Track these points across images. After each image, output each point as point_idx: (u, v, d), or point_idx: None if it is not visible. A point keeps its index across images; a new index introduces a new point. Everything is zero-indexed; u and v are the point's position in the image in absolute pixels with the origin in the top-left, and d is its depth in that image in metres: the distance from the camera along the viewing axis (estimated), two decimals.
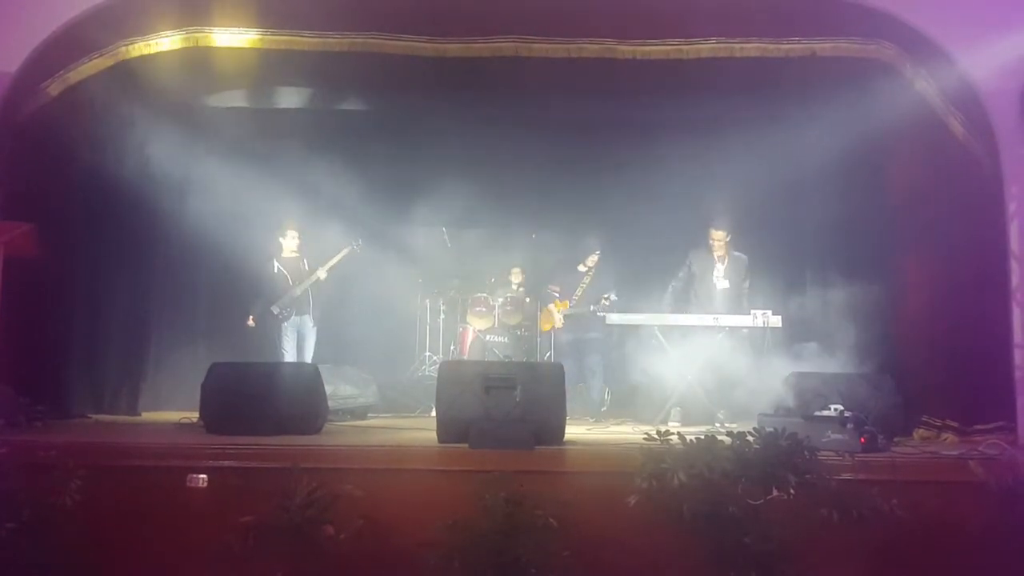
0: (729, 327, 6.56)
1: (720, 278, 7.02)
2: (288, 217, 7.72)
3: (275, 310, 7.59)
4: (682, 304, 7.03)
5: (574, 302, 7.76)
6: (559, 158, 8.32)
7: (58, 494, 3.96)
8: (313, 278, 7.66)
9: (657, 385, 6.74)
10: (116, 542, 4.14)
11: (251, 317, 7.59)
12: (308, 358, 7.65)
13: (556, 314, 7.93)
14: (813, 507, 3.89)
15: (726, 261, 7.03)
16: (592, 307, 7.50)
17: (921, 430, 5.83)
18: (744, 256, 7.08)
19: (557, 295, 7.93)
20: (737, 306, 6.87)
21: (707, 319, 6.65)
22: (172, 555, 4.14)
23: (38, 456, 4.18)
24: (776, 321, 6.44)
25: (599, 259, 7.81)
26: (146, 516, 4.20)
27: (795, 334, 6.70)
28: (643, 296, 7.18)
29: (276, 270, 7.68)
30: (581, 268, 7.86)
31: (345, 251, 7.81)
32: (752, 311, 6.50)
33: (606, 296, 7.43)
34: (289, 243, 7.70)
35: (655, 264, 7.66)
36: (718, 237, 7.02)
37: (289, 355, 7.58)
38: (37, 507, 3.92)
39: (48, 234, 5.62)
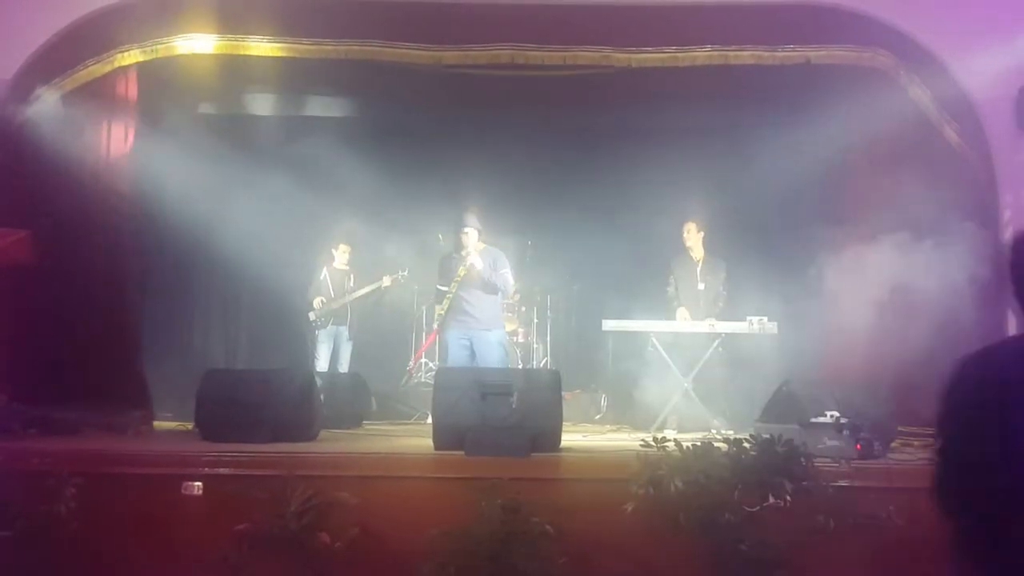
0: (725, 334, 6.58)
1: (698, 280, 6.99)
2: (334, 230, 7.93)
3: (311, 316, 7.66)
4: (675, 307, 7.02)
5: (446, 299, 6.63)
6: (556, 164, 8.34)
7: (53, 502, 3.95)
8: (360, 292, 7.82)
9: (654, 392, 6.73)
10: (111, 550, 4.12)
11: (319, 299, 7.76)
12: (344, 368, 7.77)
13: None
14: (809, 514, 3.89)
15: (701, 263, 7.00)
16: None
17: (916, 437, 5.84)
18: (723, 262, 7.05)
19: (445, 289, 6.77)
20: (714, 308, 6.84)
21: (703, 325, 6.66)
22: (167, 563, 4.12)
23: (32, 464, 4.17)
24: (772, 328, 6.44)
25: (480, 238, 6.65)
26: (141, 524, 4.18)
27: (788, 341, 6.70)
28: (640, 303, 7.17)
29: (323, 276, 7.82)
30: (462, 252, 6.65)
31: (396, 275, 7.97)
32: (748, 318, 6.49)
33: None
34: (341, 256, 7.87)
35: (651, 271, 7.64)
36: (690, 230, 6.95)
37: (321, 362, 7.68)
38: (31, 516, 3.91)
39: (43, 241, 5.61)
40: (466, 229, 6.62)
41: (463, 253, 6.61)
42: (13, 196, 5.84)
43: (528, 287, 8.67)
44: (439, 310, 6.77)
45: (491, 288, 6.61)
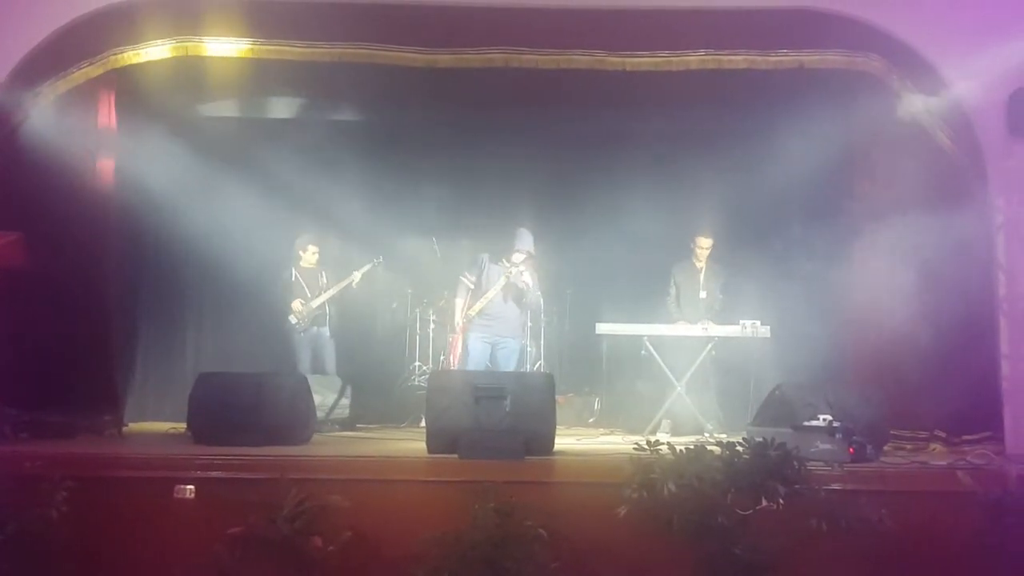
0: (719, 337, 6.59)
1: (700, 288, 6.97)
2: (304, 230, 7.67)
3: (292, 320, 7.50)
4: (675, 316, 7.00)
5: (482, 300, 6.70)
6: (548, 168, 8.33)
7: (44, 506, 3.94)
8: (332, 291, 7.59)
9: (647, 395, 6.73)
10: (103, 554, 4.12)
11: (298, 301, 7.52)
12: (331, 370, 7.58)
13: (457, 313, 6.87)
14: (802, 517, 3.90)
15: (704, 271, 7.00)
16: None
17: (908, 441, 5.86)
18: (723, 271, 7.06)
19: (471, 286, 6.83)
20: (711, 315, 6.84)
21: (696, 329, 6.65)
22: (160, 567, 4.12)
23: (24, 468, 4.16)
24: (765, 331, 6.45)
25: (528, 258, 6.77)
26: (133, 528, 4.18)
27: (781, 345, 6.71)
28: (633, 307, 7.17)
29: (293, 278, 7.56)
30: (505, 263, 6.72)
31: (367, 267, 7.75)
32: (741, 321, 6.49)
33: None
34: (309, 256, 7.61)
35: (644, 275, 7.64)
36: (704, 245, 6.95)
37: (304, 366, 7.44)
38: (23, 520, 3.89)
39: (36, 244, 5.59)
40: (525, 252, 6.71)
41: (513, 266, 6.66)
42: (6, 198, 5.81)
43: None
44: (467, 309, 6.77)
45: (526, 303, 6.84)
